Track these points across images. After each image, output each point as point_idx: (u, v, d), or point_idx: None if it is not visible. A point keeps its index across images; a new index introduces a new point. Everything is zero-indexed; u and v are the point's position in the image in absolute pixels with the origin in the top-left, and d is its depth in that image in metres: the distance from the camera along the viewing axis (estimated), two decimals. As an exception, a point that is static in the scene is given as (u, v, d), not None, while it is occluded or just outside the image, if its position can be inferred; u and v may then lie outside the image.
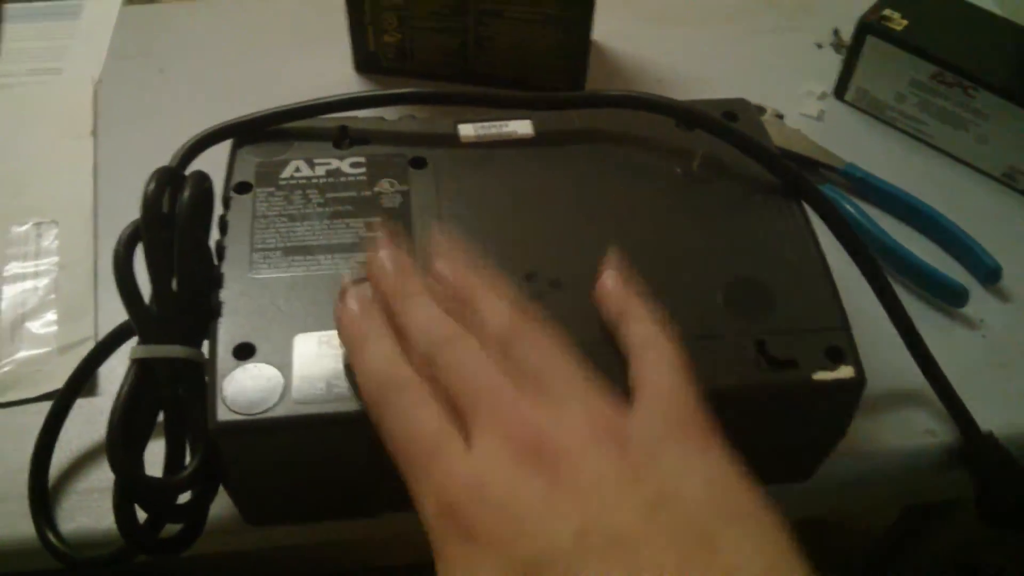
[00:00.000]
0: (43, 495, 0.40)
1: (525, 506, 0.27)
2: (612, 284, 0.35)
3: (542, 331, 0.32)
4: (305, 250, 0.38)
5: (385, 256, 0.35)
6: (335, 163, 0.41)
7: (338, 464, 0.36)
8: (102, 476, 0.41)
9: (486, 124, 0.44)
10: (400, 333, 0.33)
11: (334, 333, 0.35)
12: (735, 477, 0.28)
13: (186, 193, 0.36)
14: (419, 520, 0.29)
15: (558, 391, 0.30)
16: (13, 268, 0.49)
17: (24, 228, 0.51)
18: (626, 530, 0.26)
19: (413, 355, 0.32)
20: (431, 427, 0.29)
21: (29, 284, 0.48)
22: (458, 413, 0.30)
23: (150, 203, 0.36)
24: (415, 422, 0.30)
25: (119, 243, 0.36)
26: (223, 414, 0.33)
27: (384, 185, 0.41)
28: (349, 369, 0.34)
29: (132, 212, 0.37)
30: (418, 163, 0.42)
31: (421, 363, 0.31)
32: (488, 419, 0.29)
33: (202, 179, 0.38)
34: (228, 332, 0.35)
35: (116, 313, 0.45)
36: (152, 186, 0.36)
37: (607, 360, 0.33)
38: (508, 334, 0.32)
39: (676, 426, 0.29)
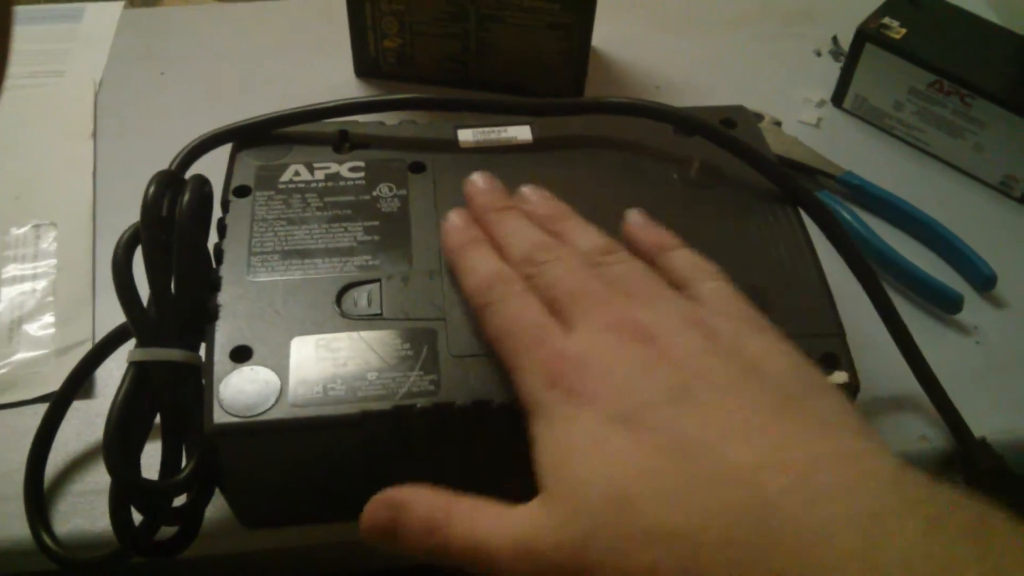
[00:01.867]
0: (39, 497, 0.40)
1: (626, 368, 0.29)
2: (640, 219, 0.38)
3: (630, 254, 0.35)
4: (303, 254, 0.38)
5: (478, 177, 0.40)
6: (334, 167, 0.41)
7: (334, 467, 0.36)
8: (98, 478, 0.41)
9: (485, 130, 0.44)
10: (495, 243, 0.36)
11: (332, 336, 0.35)
12: (810, 362, 0.30)
13: (186, 197, 0.37)
14: (520, 398, 0.31)
15: (647, 295, 0.33)
16: (11, 270, 0.49)
17: (23, 230, 0.51)
18: (722, 385, 0.28)
19: (509, 261, 0.35)
20: (535, 313, 0.33)
21: (27, 286, 0.49)
22: (555, 310, 0.32)
23: (150, 206, 0.36)
24: (521, 310, 0.33)
25: (118, 246, 0.36)
26: (219, 416, 0.33)
27: (383, 189, 0.41)
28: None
29: (131, 215, 0.37)
30: (417, 168, 0.42)
31: (517, 266, 0.35)
32: (588, 311, 0.32)
33: (202, 183, 0.38)
34: (225, 335, 0.35)
35: (113, 316, 0.45)
36: (152, 189, 0.36)
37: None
38: (597, 252, 0.35)
39: (748, 324, 0.32)
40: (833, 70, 0.62)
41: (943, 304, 0.49)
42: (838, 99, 0.60)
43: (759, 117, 0.56)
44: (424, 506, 0.30)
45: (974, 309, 0.49)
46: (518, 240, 0.36)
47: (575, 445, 0.28)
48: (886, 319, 0.42)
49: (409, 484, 0.31)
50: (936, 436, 0.44)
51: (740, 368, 0.29)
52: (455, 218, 0.38)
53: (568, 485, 0.28)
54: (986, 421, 0.43)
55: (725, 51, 0.64)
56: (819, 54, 0.64)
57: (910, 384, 0.43)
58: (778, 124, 0.57)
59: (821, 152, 0.56)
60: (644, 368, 0.29)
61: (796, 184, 0.42)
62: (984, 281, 0.50)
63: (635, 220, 0.38)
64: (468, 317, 0.36)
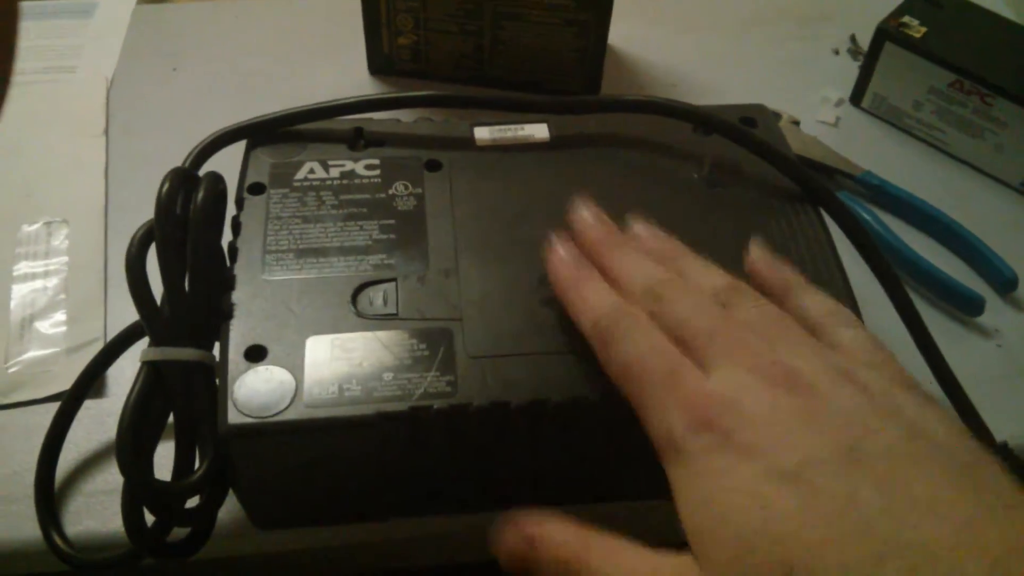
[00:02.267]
0: (49, 496, 0.40)
1: (785, 419, 0.27)
2: (764, 254, 0.36)
3: (759, 295, 0.33)
4: (318, 252, 0.38)
5: (588, 211, 0.37)
6: (350, 165, 0.41)
7: (348, 468, 0.36)
8: (109, 478, 0.41)
9: (502, 127, 0.43)
10: (608, 277, 0.34)
11: (347, 336, 0.35)
12: (963, 426, 0.28)
13: (200, 194, 0.36)
14: (652, 441, 0.29)
15: (790, 344, 0.30)
16: (23, 267, 0.49)
17: (35, 227, 0.51)
18: (894, 448, 0.26)
19: (629, 296, 0.33)
20: (668, 349, 0.30)
21: (39, 284, 0.48)
22: (686, 346, 0.30)
23: (164, 204, 0.36)
24: (651, 345, 0.30)
25: (132, 244, 0.36)
26: (234, 417, 0.32)
27: (399, 187, 0.40)
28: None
29: (143, 212, 0.37)
30: (433, 166, 0.41)
31: (640, 301, 0.32)
32: (729, 351, 0.29)
33: (216, 180, 0.37)
34: (240, 334, 0.35)
35: (125, 314, 0.45)
36: (166, 187, 0.36)
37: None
38: (725, 291, 0.33)
39: (897, 377, 0.30)
40: (851, 69, 0.61)
41: (964, 306, 0.48)
42: (856, 98, 0.60)
43: (777, 116, 0.55)
44: (559, 543, 0.29)
45: (995, 312, 0.49)
46: (638, 275, 0.33)
47: (734, 503, 0.26)
48: (907, 321, 0.41)
49: (540, 513, 0.30)
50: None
51: (907, 430, 0.27)
52: (563, 252, 0.35)
53: (728, 547, 0.25)
54: (1007, 425, 0.43)
55: (742, 50, 0.64)
56: (837, 53, 0.64)
57: (931, 387, 0.42)
58: (796, 123, 0.57)
59: (839, 151, 0.55)
60: (806, 420, 0.27)
61: (818, 184, 0.41)
62: (1005, 283, 0.49)
63: (759, 256, 0.36)
64: (485, 317, 0.36)
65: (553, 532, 0.29)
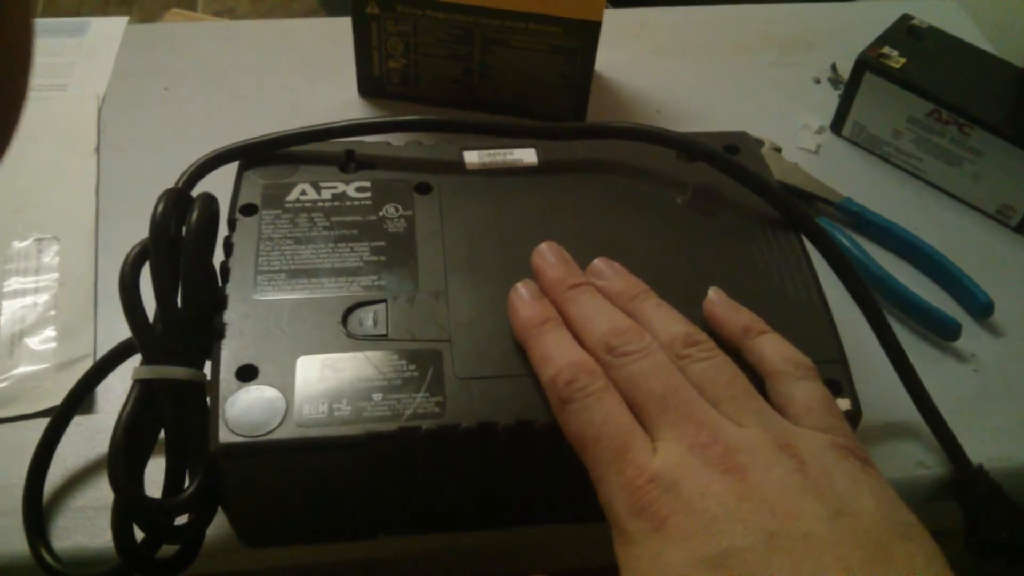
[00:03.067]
0: (38, 512, 0.40)
1: (717, 506, 0.28)
2: (722, 299, 0.37)
3: (714, 346, 0.34)
4: (309, 273, 0.38)
5: (547, 248, 0.38)
6: (341, 187, 0.42)
7: (337, 487, 0.36)
8: (98, 494, 0.41)
9: (491, 152, 0.44)
10: (569, 323, 0.35)
11: (337, 356, 0.35)
12: (895, 496, 0.30)
13: (194, 215, 0.37)
14: (604, 511, 0.31)
15: (736, 404, 0.32)
16: (13, 283, 0.49)
17: (25, 244, 0.51)
18: (813, 533, 0.28)
19: (586, 345, 0.34)
20: (621, 421, 0.31)
21: (29, 300, 0.48)
22: (639, 409, 0.32)
23: (159, 224, 0.36)
24: (606, 414, 0.32)
25: (125, 263, 0.36)
26: (225, 435, 0.33)
27: (389, 210, 0.41)
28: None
29: (134, 230, 0.37)
30: (423, 189, 0.42)
31: (594, 353, 0.33)
32: (674, 423, 0.31)
33: (210, 201, 0.38)
34: (231, 353, 0.35)
35: (115, 331, 0.45)
36: (161, 207, 0.37)
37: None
38: (680, 342, 0.34)
39: (837, 444, 0.31)
40: (832, 98, 0.62)
41: (941, 331, 0.49)
42: (837, 126, 0.61)
43: (759, 143, 0.56)
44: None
45: (971, 337, 0.50)
46: (596, 322, 0.34)
47: None
48: (885, 346, 0.42)
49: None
50: (934, 463, 0.44)
51: (831, 511, 0.28)
52: (524, 292, 0.36)
53: None
54: (984, 448, 0.44)
55: (725, 78, 0.65)
56: (818, 82, 0.65)
57: (909, 411, 0.43)
58: (778, 150, 0.58)
59: (820, 178, 0.56)
60: (735, 506, 0.28)
61: (799, 211, 0.42)
62: (981, 309, 0.50)
63: (717, 300, 0.37)
64: (474, 338, 0.36)
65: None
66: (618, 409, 0.32)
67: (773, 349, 0.35)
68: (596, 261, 0.38)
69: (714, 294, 0.37)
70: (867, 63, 0.57)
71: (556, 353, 0.34)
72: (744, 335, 0.36)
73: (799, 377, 0.34)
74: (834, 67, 0.65)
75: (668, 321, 0.35)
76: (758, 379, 0.34)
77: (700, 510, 0.28)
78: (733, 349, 0.35)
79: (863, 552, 0.27)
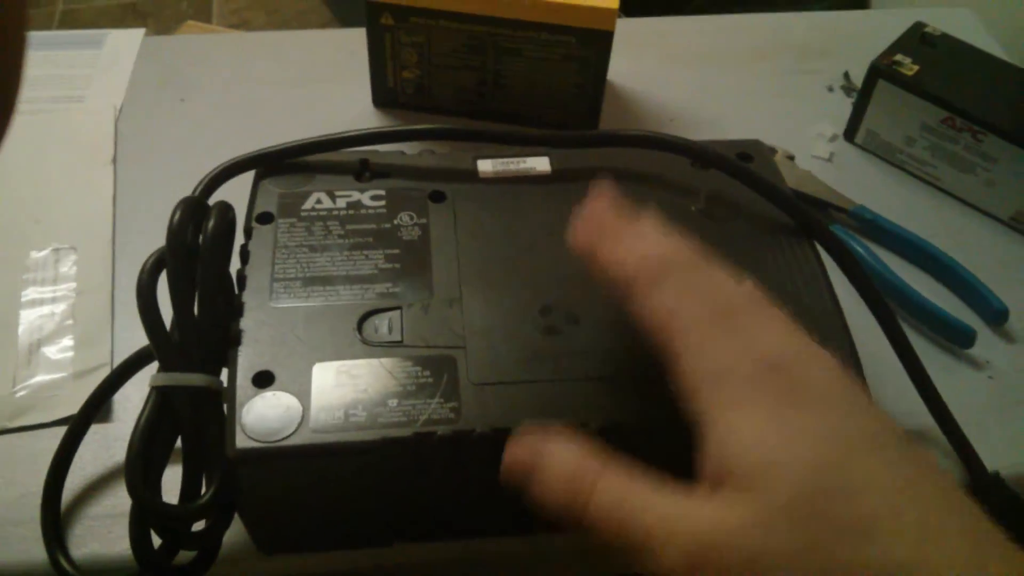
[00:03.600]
0: (56, 520, 0.40)
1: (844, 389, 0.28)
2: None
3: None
4: (325, 280, 0.38)
5: (604, 196, 0.34)
6: (356, 196, 0.42)
7: (353, 493, 0.36)
8: (115, 502, 0.42)
9: (504, 160, 0.44)
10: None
11: (352, 363, 0.36)
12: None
13: (211, 223, 0.37)
14: (687, 381, 0.29)
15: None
16: (31, 293, 0.50)
17: (43, 254, 0.52)
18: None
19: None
20: (730, 290, 0.31)
21: (47, 309, 0.49)
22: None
23: (176, 232, 0.36)
24: (712, 286, 0.31)
25: (143, 271, 0.37)
26: (242, 441, 0.33)
27: (404, 218, 0.41)
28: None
29: (150, 240, 0.37)
30: (437, 197, 0.42)
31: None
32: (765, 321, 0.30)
33: (226, 209, 0.38)
34: (248, 360, 0.35)
35: (132, 340, 0.46)
36: (178, 215, 0.37)
37: (623, 396, 0.33)
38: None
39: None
40: (845, 106, 0.62)
41: (955, 338, 0.49)
42: (850, 134, 0.61)
43: (773, 151, 0.57)
44: (567, 465, 0.29)
45: (986, 344, 0.50)
46: (667, 245, 0.32)
47: (804, 444, 0.27)
48: (900, 353, 0.42)
49: (557, 430, 0.30)
50: (950, 470, 0.44)
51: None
52: (601, 204, 0.34)
53: (797, 482, 0.26)
54: (1000, 456, 0.44)
55: (738, 86, 0.65)
56: (831, 90, 0.65)
57: (924, 418, 0.43)
58: (791, 158, 0.58)
59: (833, 186, 0.56)
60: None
61: (812, 218, 0.42)
62: (996, 316, 0.50)
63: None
64: (488, 345, 0.36)
65: (563, 450, 0.29)
66: (728, 280, 0.31)
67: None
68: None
69: None
70: (880, 71, 0.57)
71: (642, 244, 0.32)
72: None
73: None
74: (847, 75, 0.65)
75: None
76: None
77: (829, 392, 0.28)
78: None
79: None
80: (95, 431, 0.43)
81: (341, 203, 0.42)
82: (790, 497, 0.26)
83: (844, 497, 0.25)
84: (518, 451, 0.30)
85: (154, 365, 0.38)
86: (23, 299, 0.49)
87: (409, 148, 0.45)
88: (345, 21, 1.64)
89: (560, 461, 0.29)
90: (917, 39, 0.59)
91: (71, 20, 1.81)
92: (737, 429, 0.27)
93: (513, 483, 0.30)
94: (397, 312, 0.38)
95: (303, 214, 0.41)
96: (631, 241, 0.32)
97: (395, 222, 0.41)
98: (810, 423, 0.27)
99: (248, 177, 0.43)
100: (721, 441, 0.27)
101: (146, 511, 0.35)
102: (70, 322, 0.48)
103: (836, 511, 0.25)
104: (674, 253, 0.31)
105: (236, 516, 0.37)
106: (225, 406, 0.35)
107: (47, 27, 1.77)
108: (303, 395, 0.34)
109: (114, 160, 0.57)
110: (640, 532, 0.27)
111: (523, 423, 0.32)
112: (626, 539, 0.27)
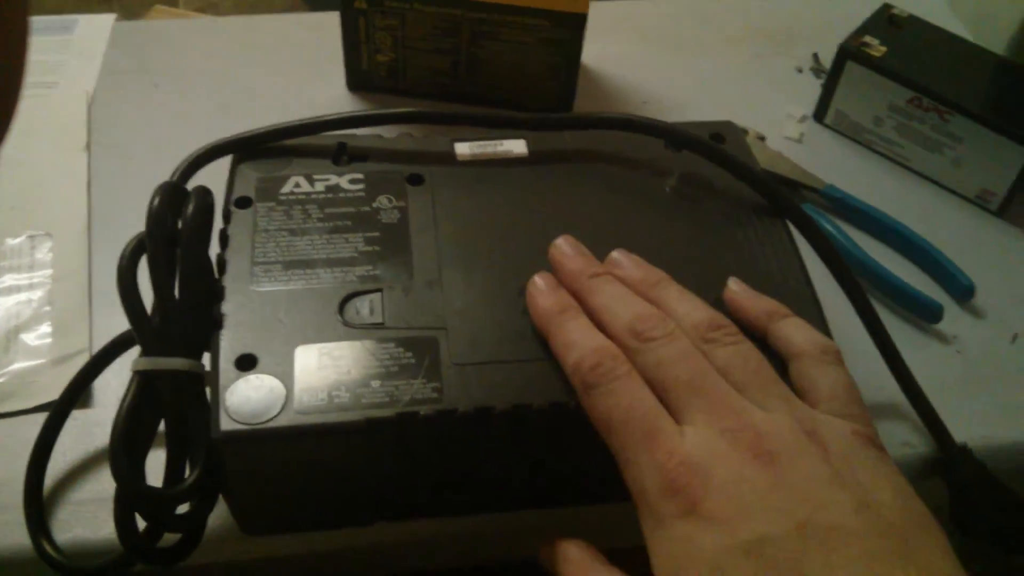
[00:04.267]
0: (39, 506, 0.40)
1: (749, 492, 0.29)
2: (741, 288, 0.37)
3: (737, 331, 0.34)
4: (305, 264, 0.39)
5: (564, 241, 0.38)
6: (334, 179, 0.42)
7: (337, 474, 0.37)
8: (98, 487, 0.42)
9: (481, 143, 0.45)
10: (591, 312, 0.35)
11: (335, 345, 0.36)
12: (910, 487, 0.31)
13: (190, 208, 0.37)
14: (631, 492, 0.31)
15: (762, 390, 0.32)
16: (7, 280, 0.49)
17: (18, 240, 0.51)
18: (841, 524, 0.28)
19: (609, 332, 0.34)
20: (649, 404, 0.32)
21: (23, 296, 0.49)
22: (665, 394, 0.32)
23: (155, 217, 0.37)
24: (632, 397, 0.32)
25: (123, 256, 0.37)
26: (226, 424, 0.33)
27: (382, 201, 0.42)
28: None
29: (126, 225, 0.38)
30: (415, 180, 0.43)
31: (619, 340, 0.33)
32: (703, 408, 0.31)
33: (205, 194, 0.39)
34: (230, 343, 0.36)
35: (110, 326, 0.46)
36: (157, 200, 0.37)
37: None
38: (704, 327, 0.34)
39: (858, 433, 0.32)
40: (814, 87, 0.63)
41: (923, 314, 0.50)
42: (820, 115, 0.62)
43: (744, 132, 0.57)
44: (570, 564, 0.32)
45: (953, 319, 0.51)
46: (620, 309, 0.34)
47: (698, 572, 0.28)
48: (870, 329, 0.43)
49: (574, 541, 0.33)
50: (919, 443, 0.45)
51: (856, 502, 0.29)
52: (542, 282, 0.36)
53: None
54: (967, 428, 0.45)
55: (710, 68, 0.66)
56: (800, 71, 0.66)
57: (893, 392, 0.44)
58: (762, 139, 0.59)
59: (804, 166, 0.57)
60: (767, 493, 0.29)
61: (784, 197, 0.43)
62: (963, 292, 0.51)
63: (738, 288, 0.37)
64: (469, 326, 0.37)
65: (569, 553, 0.33)
66: (644, 392, 0.32)
67: (799, 332, 0.35)
68: (614, 253, 0.38)
69: (734, 284, 0.38)
70: (849, 52, 0.58)
71: (579, 339, 0.34)
72: (769, 318, 0.36)
73: (826, 362, 0.34)
74: (816, 57, 0.66)
75: (691, 307, 0.35)
76: (780, 363, 0.35)
77: (733, 495, 0.29)
78: (756, 335, 0.36)
79: (888, 543, 0.28)
80: (76, 417, 0.43)
81: (320, 187, 0.42)
82: None
83: None
84: (545, 554, 0.34)
85: (134, 351, 0.38)
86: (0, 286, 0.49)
87: (386, 132, 0.45)
88: (313, 5, 1.62)
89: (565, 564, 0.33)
90: (885, 21, 0.60)
91: (36, 5, 1.78)
92: (658, 554, 0.30)
93: None
94: (378, 295, 0.38)
95: (282, 198, 0.41)
96: (565, 337, 0.34)
97: (374, 205, 0.41)
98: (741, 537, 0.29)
99: (224, 163, 0.43)
100: (651, 557, 0.30)
101: (131, 495, 0.35)
102: (48, 308, 0.48)
103: None
104: (599, 355, 0.33)
105: (220, 498, 0.38)
106: (208, 389, 0.35)
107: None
108: (286, 377, 0.35)
109: (88, 146, 0.57)
110: None
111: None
112: None
